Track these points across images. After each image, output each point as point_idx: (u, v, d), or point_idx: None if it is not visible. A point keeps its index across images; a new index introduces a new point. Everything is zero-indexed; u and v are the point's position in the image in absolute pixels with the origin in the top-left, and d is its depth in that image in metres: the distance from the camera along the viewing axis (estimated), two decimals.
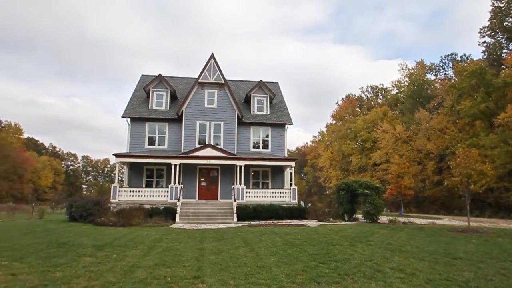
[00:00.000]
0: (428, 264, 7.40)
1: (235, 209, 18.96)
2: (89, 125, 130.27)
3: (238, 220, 18.33)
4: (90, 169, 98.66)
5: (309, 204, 24.39)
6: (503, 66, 36.48)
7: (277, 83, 29.48)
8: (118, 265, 6.88)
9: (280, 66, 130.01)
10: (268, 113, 25.02)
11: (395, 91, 58.22)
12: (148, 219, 16.77)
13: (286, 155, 24.91)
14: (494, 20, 38.06)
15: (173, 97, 24.78)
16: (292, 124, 24.70)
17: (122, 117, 22.92)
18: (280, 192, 21.51)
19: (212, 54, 23.42)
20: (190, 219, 18.19)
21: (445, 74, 50.73)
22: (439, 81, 49.53)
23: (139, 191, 20.26)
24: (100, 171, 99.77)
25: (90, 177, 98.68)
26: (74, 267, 6.67)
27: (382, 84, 64.42)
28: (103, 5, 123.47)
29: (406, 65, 54.97)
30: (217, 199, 22.01)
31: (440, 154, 39.47)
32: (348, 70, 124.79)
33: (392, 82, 57.31)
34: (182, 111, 22.78)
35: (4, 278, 5.82)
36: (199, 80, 23.16)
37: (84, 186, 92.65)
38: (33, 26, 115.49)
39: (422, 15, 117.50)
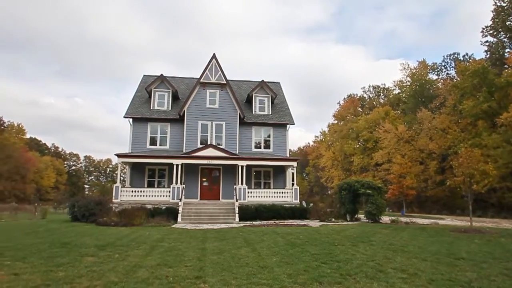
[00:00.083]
0: (430, 264, 7.38)
1: (237, 209, 18.97)
2: (91, 125, 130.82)
3: (240, 220, 18.34)
4: (92, 169, 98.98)
5: (311, 204, 24.40)
6: (505, 66, 36.31)
7: (278, 83, 29.47)
8: (120, 265, 6.90)
9: (281, 66, 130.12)
10: (270, 113, 25.01)
11: (397, 91, 58.11)
12: (150, 219, 16.79)
13: (287, 155, 24.90)
14: (497, 20, 37.89)
15: (175, 97, 24.81)
16: (293, 124, 24.69)
17: (124, 117, 22.98)
18: (282, 192, 21.49)
19: (214, 54, 23.46)
20: (192, 219, 18.21)
21: (447, 73, 50.63)
22: (441, 80, 49.37)
23: (141, 191, 20.30)
24: (102, 171, 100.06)
25: (92, 177, 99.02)
26: (77, 267, 6.69)
27: (384, 84, 64.41)
28: (104, 5, 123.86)
29: (408, 64, 55.05)
30: (219, 199, 22.02)
31: (443, 154, 39.33)
32: (350, 70, 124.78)
33: (394, 81, 57.35)
34: (184, 111, 22.81)
35: (7, 278, 5.84)
36: (201, 80, 23.19)
37: (86, 186, 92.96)
38: (34, 26, 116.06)
39: (423, 15, 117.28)
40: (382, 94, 64.51)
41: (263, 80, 25.35)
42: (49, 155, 78.66)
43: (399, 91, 56.99)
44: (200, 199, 21.79)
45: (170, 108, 23.98)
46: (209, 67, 23.33)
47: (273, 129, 24.57)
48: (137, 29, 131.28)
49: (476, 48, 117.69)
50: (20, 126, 67.98)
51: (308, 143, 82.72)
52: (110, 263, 7.08)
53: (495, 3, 37.47)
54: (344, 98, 65.63)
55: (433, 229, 15.11)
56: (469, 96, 36.53)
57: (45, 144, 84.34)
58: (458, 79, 40.48)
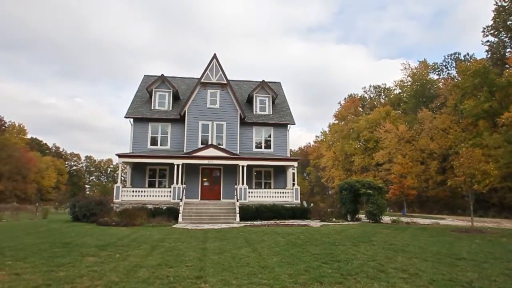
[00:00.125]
0: (431, 264, 7.36)
1: (237, 209, 18.98)
2: (92, 125, 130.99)
3: (240, 220, 18.35)
4: (93, 169, 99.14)
5: (312, 204, 24.39)
6: (506, 66, 36.26)
7: (279, 83, 29.47)
8: (121, 265, 6.91)
9: (282, 66, 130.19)
10: (271, 113, 25.01)
11: (398, 91, 58.02)
12: (151, 219, 16.81)
13: (288, 155, 24.90)
14: (498, 19, 37.81)
15: (176, 97, 24.83)
16: (294, 124, 24.67)
17: (125, 117, 23.01)
18: (283, 192, 21.49)
19: (215, 54, 23.47)
20: (193, 219, 18.23)
21: (448, 73, 50.55)
22: (442, 80, 49.29)
23: (142, 191, 20.32)
24: (103, 171, 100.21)
25: (93, 177, 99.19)
26: (77, 267, 6.70)
27: (385, 84, 64.41)
28: (105, 5, 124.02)
29: (409, 64, 54.95)
30: (219, 199, 22.03)
31: (443, 154, 39.28)
32: (351, 69, 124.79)
33: (395, 81, 57.29)
34: (185, 111, 22.82)
35: (8, 278, 5.86)
36: (202, 80, 23.20)
37: (87, 186, 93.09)
38: (35, 26, 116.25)
39: (424, 15, 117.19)
40: (383, 94, 64.47)
41: (263, 80, 25.36)
42: (50, 155, 78.82)
43: (400, 91, 56.91)
44: (201, 199, 21.80)
45: (170, 108, 24.00)
46: (209, 67, 23.35)
47: (274, 129, 24.57)
48: (138, 29, 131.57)
49: (477, 48, 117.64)
50: (21, 126, 68.17)
51: (309, 143, 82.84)
52: (111, 263, 7.08)
53: (496, 2, 37.40)
54: (345, 98, 65.69)
55: (434, 229, 15.08)
56: (470, 96, 36.48)
57: (46, 144, 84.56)
58: (459, 79, 40.42)
